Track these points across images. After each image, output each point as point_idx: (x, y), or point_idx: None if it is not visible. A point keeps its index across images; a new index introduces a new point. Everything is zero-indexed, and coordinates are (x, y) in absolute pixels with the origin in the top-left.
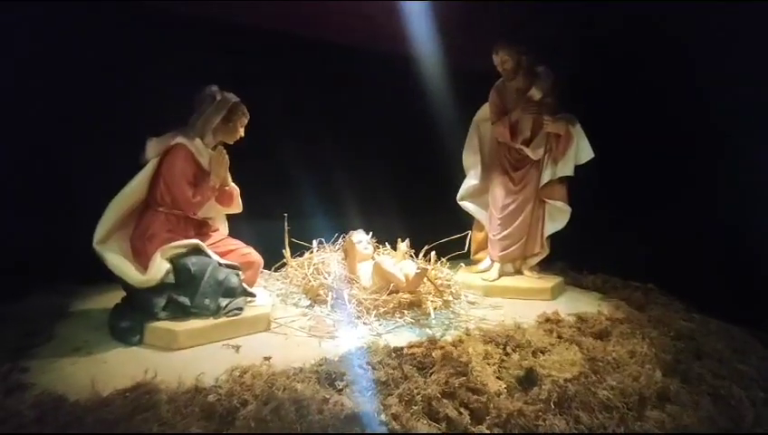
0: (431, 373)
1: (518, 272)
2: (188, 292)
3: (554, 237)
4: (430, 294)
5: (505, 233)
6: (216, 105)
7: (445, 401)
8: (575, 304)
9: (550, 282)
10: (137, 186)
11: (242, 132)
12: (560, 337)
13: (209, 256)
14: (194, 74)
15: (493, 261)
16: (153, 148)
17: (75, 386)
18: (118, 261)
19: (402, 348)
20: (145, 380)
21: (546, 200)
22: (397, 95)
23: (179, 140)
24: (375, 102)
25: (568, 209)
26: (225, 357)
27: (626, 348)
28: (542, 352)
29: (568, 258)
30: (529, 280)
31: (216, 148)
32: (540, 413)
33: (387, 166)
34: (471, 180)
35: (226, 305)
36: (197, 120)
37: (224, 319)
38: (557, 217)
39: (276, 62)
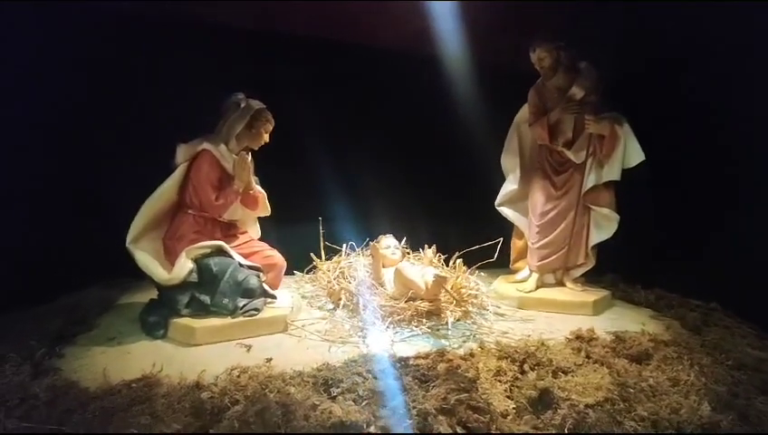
0: (433, 387)
1: (560, 284)
2: (209, 291)
3: (605, 248)
4: (451, 303)
5: (544, 241)
6: (240, 112)
7: (440, 417)
8: (619, 322)
9: (593, 295)
10: (167, 189)
11: (266, 138)
12: (588, 357)
13: (232, 257)
14: (223, 82)
15: (531, 271)
16: (182, 153)
17: (95, 373)
18: (146, 260)
19: (408, 358)
20: (151, 373)
21: (591, 207)
22: (434, 98)
23: (205, 145)
24: (412, 106)
25: (615, 217)
26: (235, 356)
27: (667, 375)
28: (565, 373)
29: (622, 271)
30: (570, 293)
31: (240, 153)
32: None
33: (424, 170)
34: (510, 185)
35: (244, 305)
36: (223, 126)
37: (241, 318)
38: (603, 225)
39: (306, 68)
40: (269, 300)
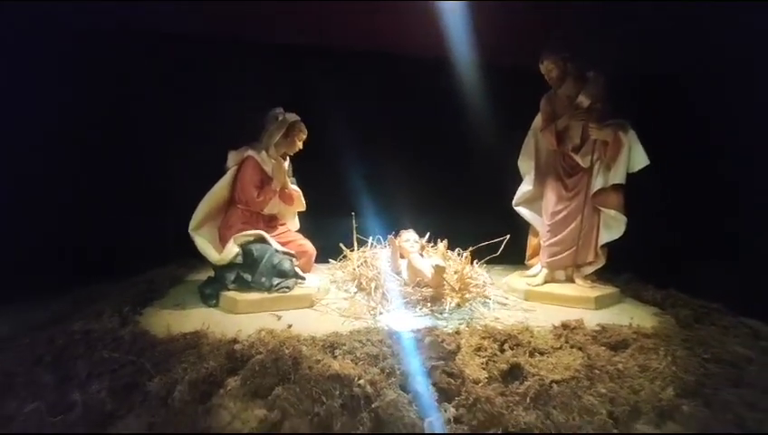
0: (417, 354)
1: (570, 280)
2: (251, 271)
3: (624, 248)
4: (452, 290)
5: (555, 240)
6: (278, 124)
7: (419, 378)
8: (619, 317)
9: (597, 291)
10: (220, 187)
11: (300, 145)
12: (567, 342)
13: (270, 244)
14: (266, 96)
15: (542, 267)
16: (232, 158)
17: (162, 327)
18: (203, 244)
19: (403, 332)
20: (201, 329)
21: (600, 208)
22: (459, 102)
23: (249, 152)
24: (439, 110)
25: (622, 218)
26: (266, 322)
27: (638, 362)
28: (541, 354)
29: (641, 271)
30: (576, 288)
31: (278, 158)
32: (510, 404)
33: (449, 172)
34: (525, 186)
35: (278, 284)
36: (264, 136)
37: (275, 294)
38: (612, 225)
39: (336, 76)
40: (299, 281)
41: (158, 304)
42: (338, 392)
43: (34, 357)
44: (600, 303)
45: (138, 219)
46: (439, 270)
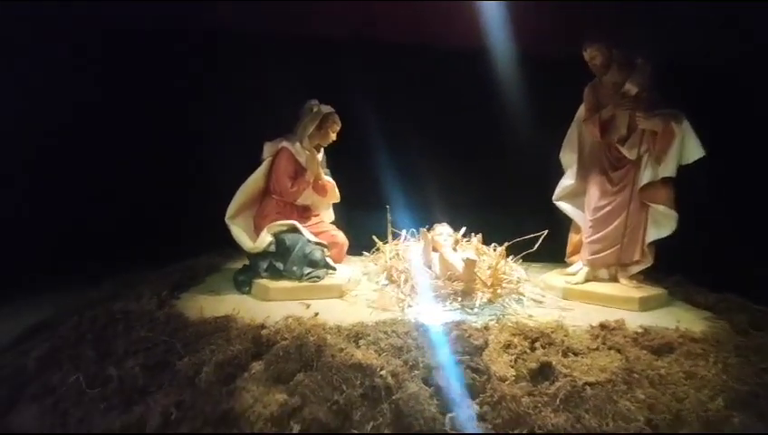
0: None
1: (614, 279)
2: (283, 259)
3: (675, 247)
4: (486, 286)
5: (597, 236)
6: (311, 115)
7: (441, 372)
8: (663, 319)
9: (642, 292)
10: (256, 178)
11: (333, 137)
12: (604, 343)
13: (303, 235)
14: (304, 89)
15: (583, 265)
16: (267, 149)
17: (196, 310)
18: (238, 232)
19: (430, 325)
20: (232, 314)
21: (649, 204)
22: (498, 94)
23: (284, 144)
24: (476, 102)
25: (673, 214)
26: (295, 310)
27: (684, 368)
28: (575, 354)
29: (696, 273)
30: (618, 288)
31: (311, 149)
32: (539, 405)
33: (489, 166)
34: (567, 180)
35: (309, 273)
36: (299, 127)
37: (305, 283)
38: (662, 222)
39: (374, 69)
40: (330, 271)
41: (195, 290)
42: (359, 382)
43: (79, 334)
44: (645, 304)
45: (181, 209)
46: (470, 264)
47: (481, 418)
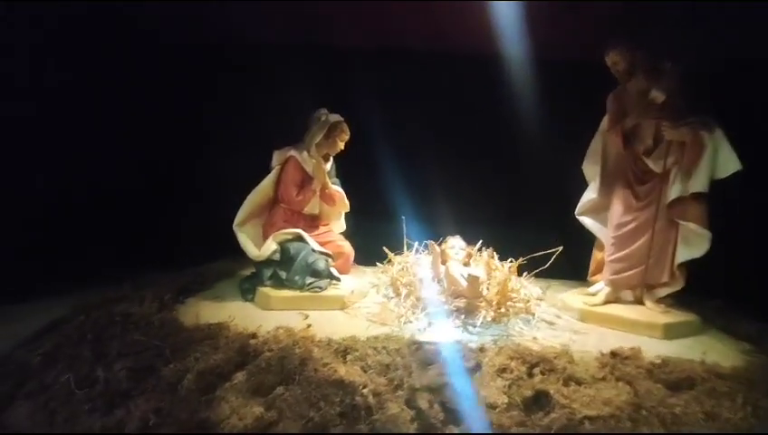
0: (431, 368)
1: (639, 302)
2: (287, 268)
3: (717, 269)
4: (489, 304)
5: (619, 255)
6: (319, 124)
7: (425, 393)
8: (690, 349)
9: (668, 318)
10: (264, 186)
11: (341, 146)
12: (612, 373)
13: (308, 244)
14: (315, 98)
15: (605, 285)
16: (276, 158)
17: (194, 316)
18: (244, 239)
19: (422, 343)
20: (226, 322)
21: (678, 221)
22: (519, 102)
23: (291, 152)
24: (497, 112)
25: (705, 234)
26: (293, 320)
27: (705, 408)
28: (578, 383)
29: (740, 299)
30: (642, 311)
31: (318, 158)
32: (525, 431)
33: (511, 178)
34: (590, 193)
35: (311, 283)
36: (307, 136)
37: (307, 293)
38: (693, 242)
39: (389, 78)
40: (334, 282)
41: (201, 296)
42: (338, 399)
43: (81, 334)
44: (671, 331)
45: (198, 215)
46: (473, 280)
47: None
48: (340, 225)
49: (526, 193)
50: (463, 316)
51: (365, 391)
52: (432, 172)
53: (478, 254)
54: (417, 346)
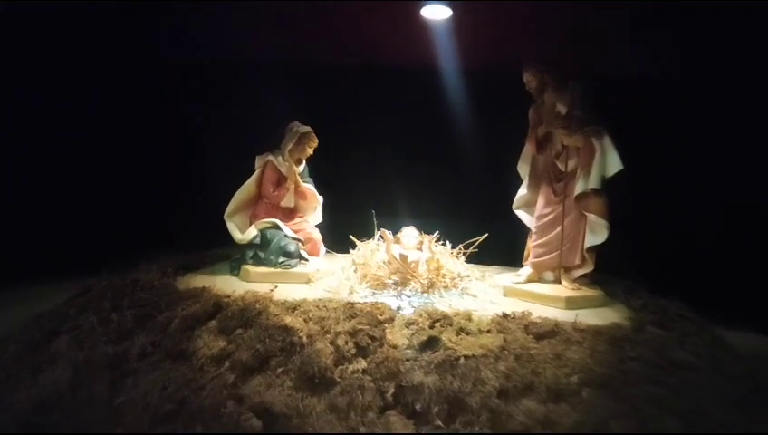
0: (353, 318)
1: (557, 282)
2: (264, 250)
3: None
4: (414, 277)
5: (540, 241)
6: (291, 134)
7: (344, 337)
8: (582, 316)
9: (571, 293)
10: (249, 184)
11: (310, 151)
12: (497, 328)
13: (282, 231)
14: (296, 111)
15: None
16: (258, 161)
17: (188, 284)
18: (231, 227)
19: (355, 304)
20: (208, 287)
21: (584, 213)
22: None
23: (269, 157)
24: (453, 123)
25: (603, 223)
26: (265, 289)
27: (555, 350)
28: (467, 334)
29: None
30: (553, 288)
31: (290, 161)
32: (414, 367)
33: (467, 180)
34: (522, 190)
35: (282, 262)
36: (282, 143)
37: (279, 269)
38: (596, 230)
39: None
40: (303, 261)
41: (200, 271)
42: (281, 338)
43: (103, 292)
44: (572, 303)
45: (205, 209)
46: (403, 259)
47: (365, 371)
48: (316, 217)
49: (481, 192)
50: (399, 288)
51: (301, 333)
52: (402, 174)
53: (428, 241)
54: (349, 306)
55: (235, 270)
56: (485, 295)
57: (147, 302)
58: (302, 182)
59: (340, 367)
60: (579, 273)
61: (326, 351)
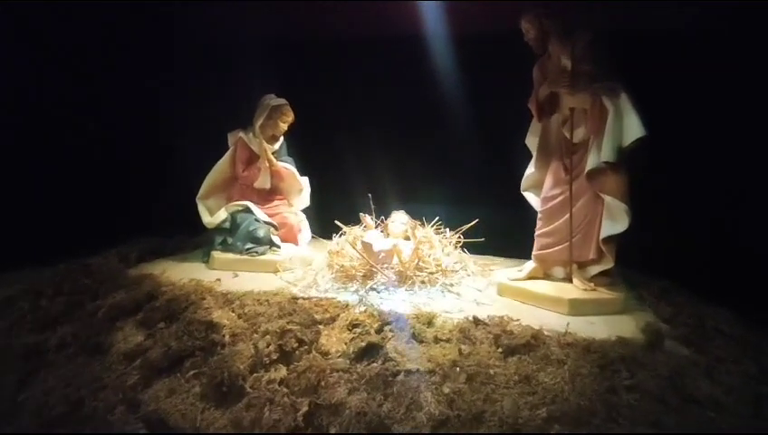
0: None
1: (568, 280)
2: (233, 235)
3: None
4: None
5: (545, 230)
6: (261, 107)
7: (268, 337)
8: (593, 328)
9: (577, 294)
10: (222, 163)
11: (284, 127)
12: (461, 336)
13: (253, 214)
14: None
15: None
16: (230, 139)
17: (159, 269)
18: (201, 210)
19: (298, 298)
20: (154, 275)
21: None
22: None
23: (240, 134)
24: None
25: (621, 206)
26: (225, 277)
27: (522, 371)
28: (419, 342)
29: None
30: (557, 287)
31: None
32: (341, 380)
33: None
34: (530, 167)
35: (249, 248)
36: (254, 118)
37: (246, 257)
38: (616, 216)
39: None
40: (274, 248)
41: (171, 258)
42: (202, 335)
43: (59, 277)
44: (577, 307)
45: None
46: (366, 247)
47: (281, 382)
48: (302, 201)
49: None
50: (367, 281)
51: (224, 331)
52: (401, 157)
53: (420, 227)
54: (293, 301)
55: (204, 256)
56: (473, 294)
57: (86, 289)
58: (276, 161)
59: (255, 374)
60: (595, 270)
61: (245, 353)
